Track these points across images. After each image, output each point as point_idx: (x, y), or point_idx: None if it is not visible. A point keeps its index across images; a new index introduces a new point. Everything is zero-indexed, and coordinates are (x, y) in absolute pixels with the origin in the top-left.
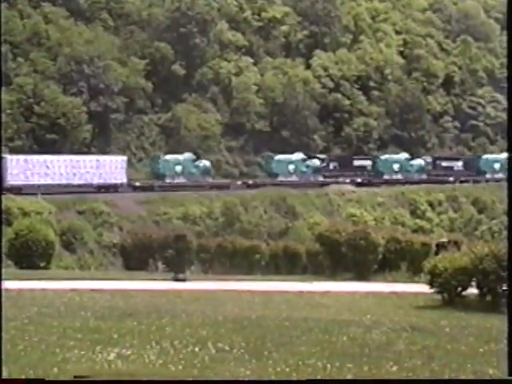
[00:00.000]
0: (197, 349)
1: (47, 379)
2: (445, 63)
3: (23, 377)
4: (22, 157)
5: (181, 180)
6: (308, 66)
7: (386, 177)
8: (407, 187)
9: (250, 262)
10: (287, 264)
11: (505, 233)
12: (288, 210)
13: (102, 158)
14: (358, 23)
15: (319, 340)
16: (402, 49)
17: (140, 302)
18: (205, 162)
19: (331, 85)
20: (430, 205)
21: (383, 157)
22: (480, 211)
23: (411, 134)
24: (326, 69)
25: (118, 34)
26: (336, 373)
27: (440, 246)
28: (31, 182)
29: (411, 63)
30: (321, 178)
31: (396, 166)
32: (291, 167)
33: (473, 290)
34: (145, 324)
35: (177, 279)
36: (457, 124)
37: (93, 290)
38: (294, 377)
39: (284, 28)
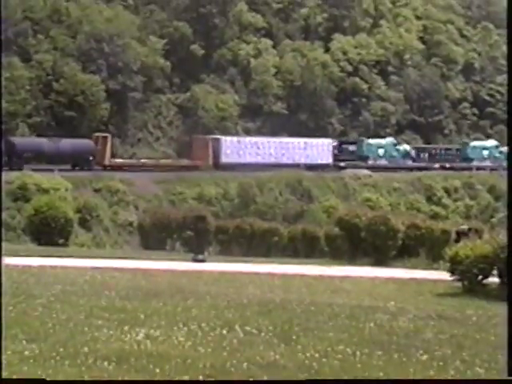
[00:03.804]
0: (224, 331)
1: (48, 379)
2: (465, 50)
3: (54, 354)
4: (235, 138)
5: (383, 162)
6: (327, 50)
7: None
8: (425, 173)
9: (268, 244)
10: (305, 247)
11: None
12: (303, 193)
13: (309, 140)
14: (378, 7)
15: (346, 326)
16: (421, 34)
17: (162, 282)
18: (405, 146)
19: (350, 69)
20: (446, 191)
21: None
22: (496, 199)
23: (429, 120)
24: (344, 52)
25: (138, 13)
26: (366, 360)
27: (460, 234)
28: (243, 161)
29: (431, 49)
30: None
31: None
32: (485, 153)
33: (494, 279)
34: (170, 305)
35: (196, 260)
36: (475, 111)
37: (113, 269)
38: (325, 363)
39: (304, 11)
